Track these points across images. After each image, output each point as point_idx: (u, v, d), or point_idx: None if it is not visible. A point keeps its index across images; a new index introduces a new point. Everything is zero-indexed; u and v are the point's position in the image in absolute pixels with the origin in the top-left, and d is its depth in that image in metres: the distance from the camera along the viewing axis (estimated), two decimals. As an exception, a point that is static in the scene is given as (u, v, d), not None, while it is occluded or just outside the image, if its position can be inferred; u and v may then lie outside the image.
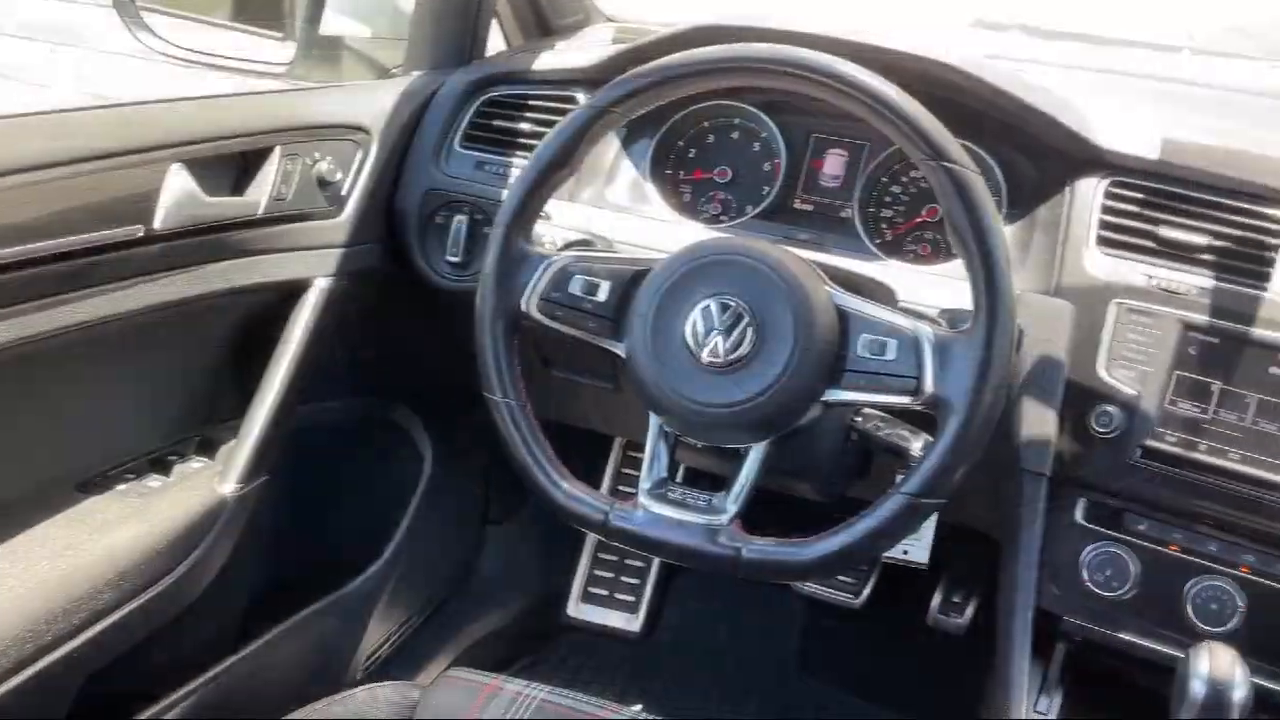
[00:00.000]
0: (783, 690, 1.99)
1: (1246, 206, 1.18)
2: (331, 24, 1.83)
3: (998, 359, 0.98)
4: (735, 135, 1.47)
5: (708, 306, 1.06)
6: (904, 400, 1.03)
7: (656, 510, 1.08)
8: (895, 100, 1.00)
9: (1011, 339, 1.00)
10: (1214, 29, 3.09)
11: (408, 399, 1.82)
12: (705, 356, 1.05)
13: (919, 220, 1.38)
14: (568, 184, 1.23)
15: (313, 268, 1.43)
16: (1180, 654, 1.04)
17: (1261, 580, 1.14)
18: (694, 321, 1.06)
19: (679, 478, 1.14)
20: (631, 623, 2.10)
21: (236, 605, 1.56)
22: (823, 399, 1.06)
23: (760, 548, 1.04)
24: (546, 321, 1.13)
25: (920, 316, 1.07)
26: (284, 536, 1.62)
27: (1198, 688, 0.99)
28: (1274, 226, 1.16)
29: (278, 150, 1.36)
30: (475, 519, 2.05)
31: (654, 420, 1.12)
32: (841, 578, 1.84)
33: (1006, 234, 1.27)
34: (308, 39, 1.77)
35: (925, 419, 1.03)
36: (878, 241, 1.37)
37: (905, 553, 1.43)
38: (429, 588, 1.93)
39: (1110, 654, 1.21)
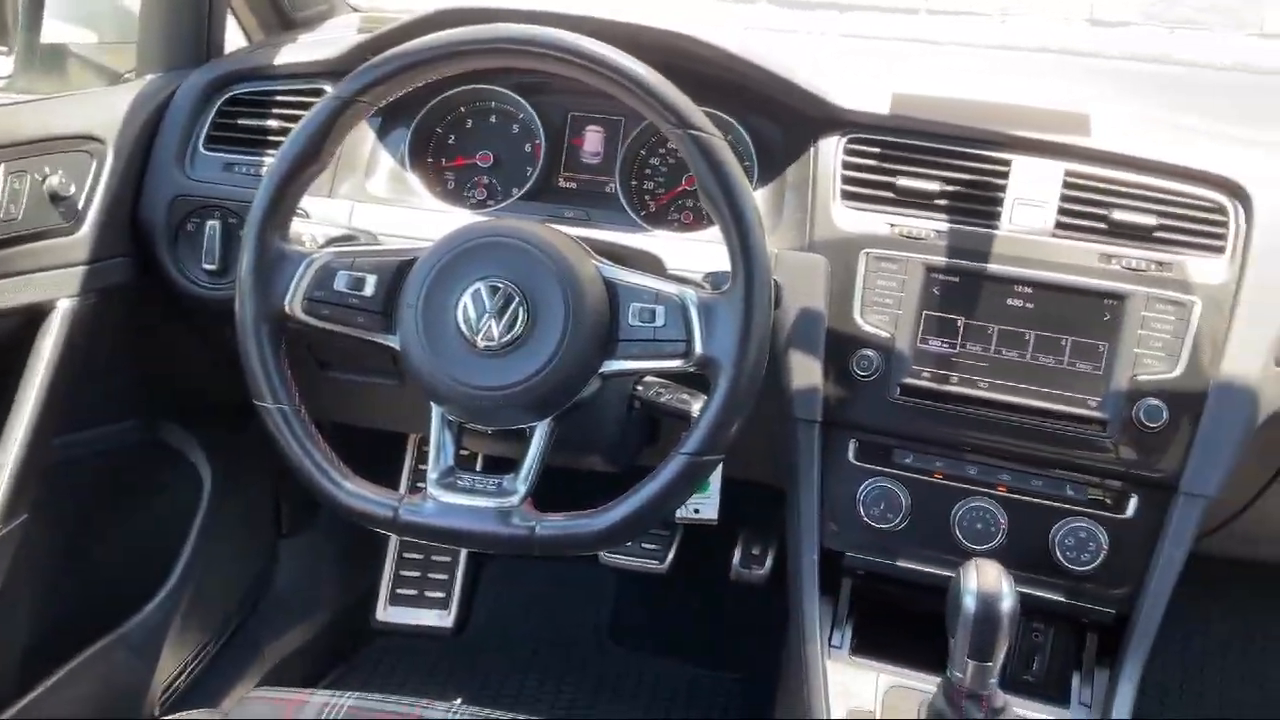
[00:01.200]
0: (599, 662, 2.02)
1: (975, 152, 1.27)
2: (54, 31, 1.71)
3: (758, 316, 1.02)
4: (494, 119, 1.47)
5: (477, 291, 1.06)
6: (677, 364, 1.06)
7: (446, 499, 1.08)
8: (639, 73, 1.03)
9: (770, 296, 1.04)
10: (949, -12, 3.30)
11: (179, 418, 1.73)
12: (480, 341, 1.05)
13: (679, 190, 1.41)
14: (325, 179, 1.20)
15: (54, 289, 1.34)
16: (953, 574, 1.12)
17: (1018, 496, 1.23)
18: (465, 307, 1.06)
19: (480, 466, 1.14)
20: (444, 619, 2.09)
21: (12, 652, 1.45)
22: (600, 371, 1.08)
23: (553, 524, 1.05)
24: (313, 322, 1.10)
25: (685, 282, 1.09)
26: (59, 574, 1.51)
27: (969, 603, 1.06)
28: (1001, 169, 1.25)
29: (1, 168, 1.26)
30: (267, 534, 1.97)
31: (436, 410, 1.11)
32: (645, 544, 1.88)
33: (760, 197, 1.33)
34: (28, 49, 1.64)
35: (704, 381, 1.07)
36: (642, 213, 1.40)
37: (696, 511, 1.48)
38: (224, 611, 1.85)
39: (893, 583, 1.28)
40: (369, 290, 1.10)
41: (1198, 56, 3.31)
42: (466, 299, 1.06)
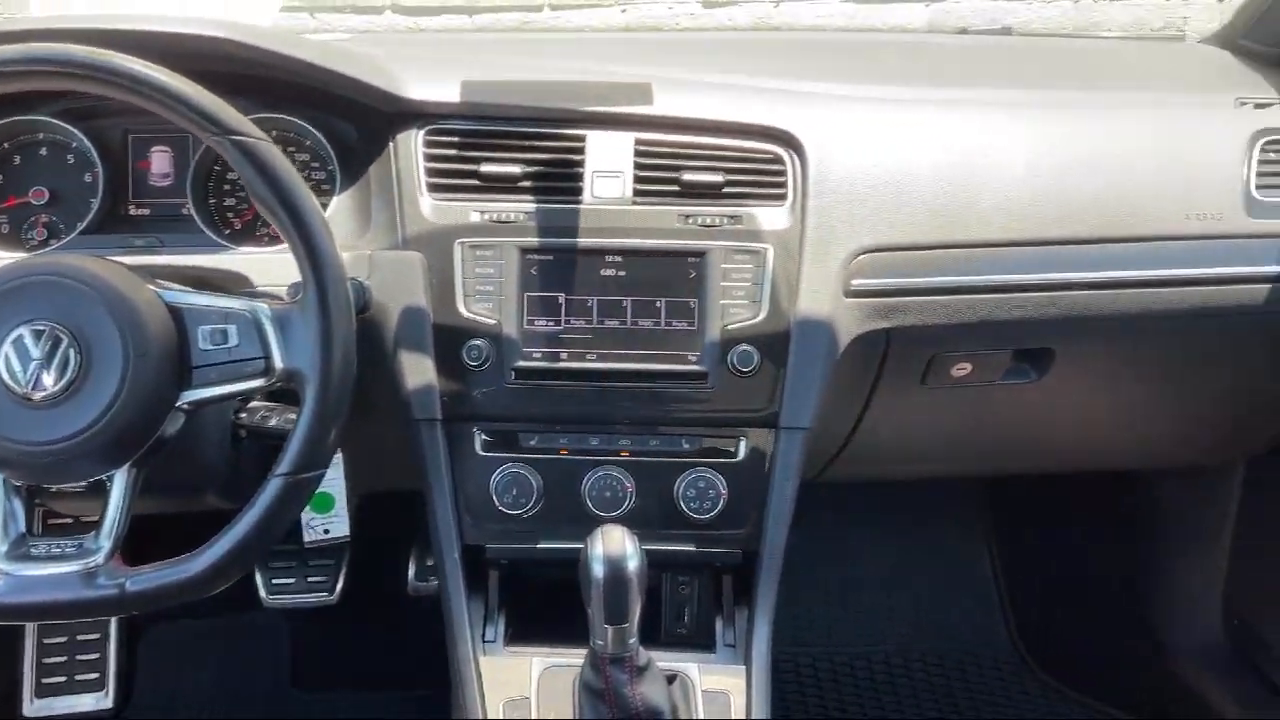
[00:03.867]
0: (284, 710, 1.91)
1: (550, 131, 1.28)
2: None
3: (336, 320, 0.99)
4: (44, 151, 1.34)
5: (19, 338, 0.96)
6: (260, 382, 1.00)
7: (20, 573, 0.97)
8: (162, 82, 0.96)
9: (347, 298, 1.01)
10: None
11: None
12: (33, 393, 0.95)
13: (263, 203, 1.34)
14: None
15: None
16: None
17: (640, 459, 1.27)
18: (6, 358, 0.95)
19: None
20: (102, 701, 1.91)
21: None
22: (180, 405, 1.00)
23: (146, 576, 0.97)
24: None
25: (258, 296, 1.04)
26: None
27: (597, 569, 1.07)
28: (577, 144, 1.27)
29: None
30: None
31: (-4, 476, 1.00)
32: (310, 578, 1.80)
33: (346, 199, 1.29)
34: None
35: None
36: (227, 232, 1.32)
37: (326, 531, 1.42)
38: None
39: (537, 565, 1.28)
40: None
41: (800, 22, 3.56)
42: (7, 349, 0.96)
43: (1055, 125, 1.32)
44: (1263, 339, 1.40)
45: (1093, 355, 1.39)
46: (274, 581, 1.82)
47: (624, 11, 3.44)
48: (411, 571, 1.74)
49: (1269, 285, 1.29)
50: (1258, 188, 1.30)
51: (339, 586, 1.80)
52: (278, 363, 0.99)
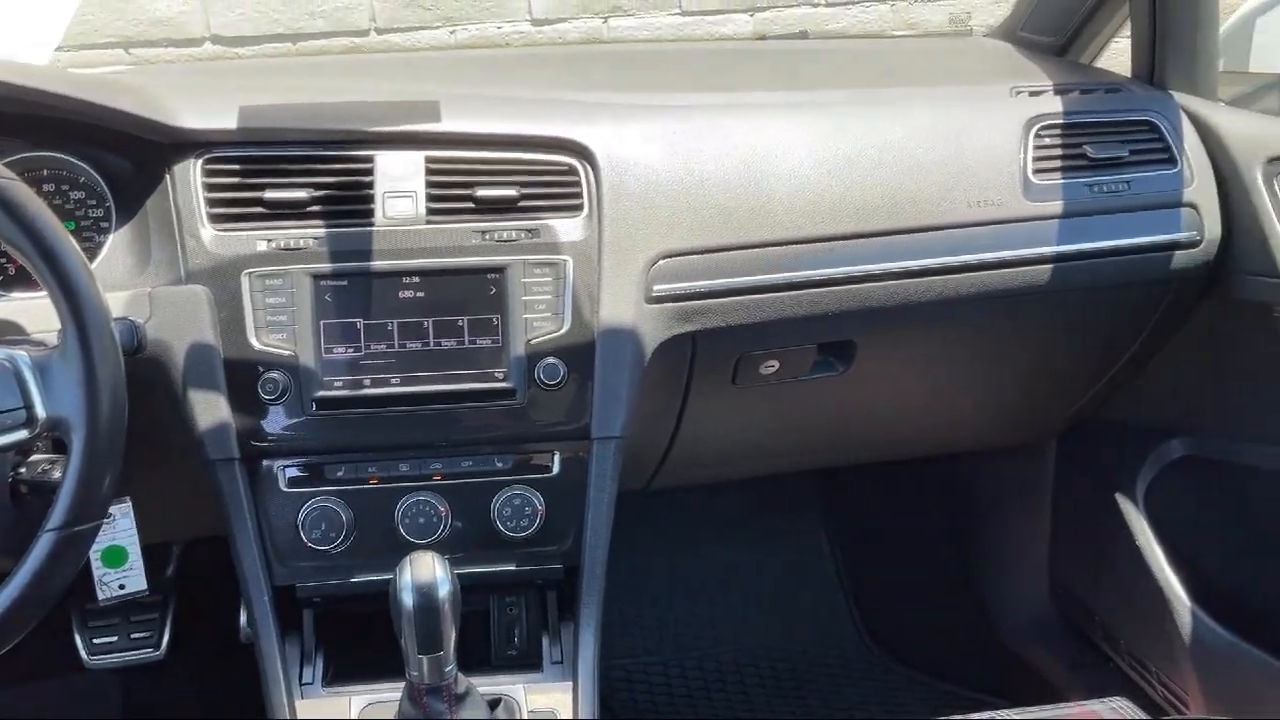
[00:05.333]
0: None
1: (336, 154, 1.25)
2: None
3: (100, 363, 0.94)
4: None
5: None
6: (24, 434, 0.95)
7: None
8: None
9: (111, 338, 0.96)
10: (393, 6, 3.34)
11: None
12: None
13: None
14: None
15: None
16: None
17: (454, 481, 1.24)
18: None
19: None
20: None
21: None
22: None
23: None
24: None
25: (19, 343, 0.98)
26: None
27: (407, 598, 1.05)
28: (365, 166, 1.24)
29: None
30: None
31: None
32: (134, 634, 1.71)
33: (124, 236, 1.24)
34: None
35: None
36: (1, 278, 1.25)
37: (122, 587, 1.35)
38: None
39: (354, 601, 1.24)
40: None
41: (631, 36, 3.59)
42: None
43: (843, 123, 1.36)
44: (1053, 318, 1.46)
45: (893, 345, 1.43)
46: (95, 641, 1.73)
47: (453, 33, 3.42)
48: (243, 618, 1.67)
49: (1050, 265, 1.35)
50: (1034, 172, 1.36)
51: (165, 640, 1.71)
52: (40, 412, 0.94)
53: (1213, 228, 1.39)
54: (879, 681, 1.95)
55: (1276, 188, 1.34)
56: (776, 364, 1.39)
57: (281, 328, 1.20)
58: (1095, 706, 1.26)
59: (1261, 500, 1.48)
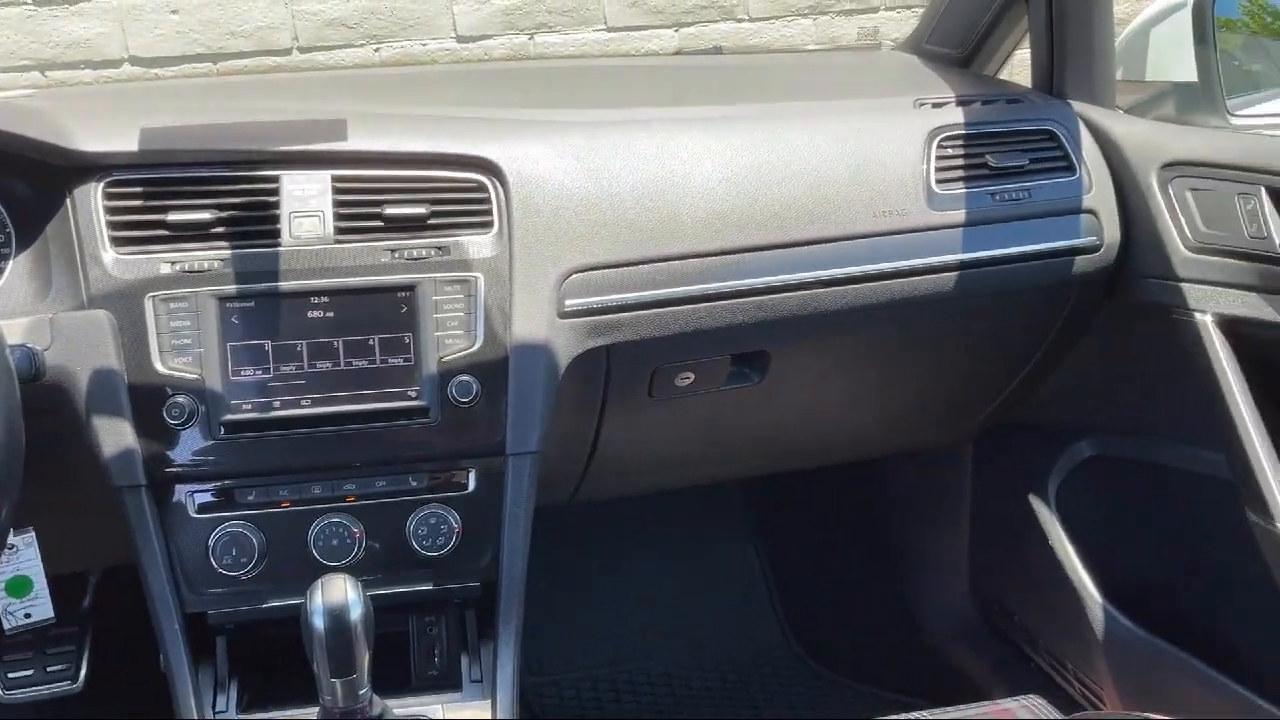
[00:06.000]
0: None
1: (241, 174, 1.24)
2: None
3: None
4: None
5: None
6: None
7: None
8: None
9: (5, 364, 0.94)
10: (315, 25, 3.32)
11: None
12: None
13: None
14: None
15: None
16: None
17: (368, 502, 1.23)
18: None
19: None
20: None
21: None
22: None
23: None
24: None
25: None
26: None
27: (318, 622, 1.04)
28: (271, 186, 1.23)
29: None
30: None
31: None
32: (50, 667, 1.67)
33: (24, 262, 1.21)
34: None
35: None
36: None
37: (28, 616, 1.32)
38: None
39: (269, 626, 1.23)
40: None
41: (556, 52, 3.59)
42: None
43: (751, 137, 1.37)
44: (961, 325, 1.49)
45: (806, 354, 1.45)
46: (10, 675, 1.69)
47: (377, 50, 3.40)
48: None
49: (955, 273, 1.37)
50: (937, 182, 1.39)
51: (83, 672, 1.67)
52: None
53: (1111, 232, 1.43)
54: (807, 687, 1.97)
55: (1171, 192, 1.38)
56: (691, 376, 1.40)
57: (187, 351, 1.18)
58: (1009, 705, 1.28)
59: (1166, 497, 1.52)
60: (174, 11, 3.13)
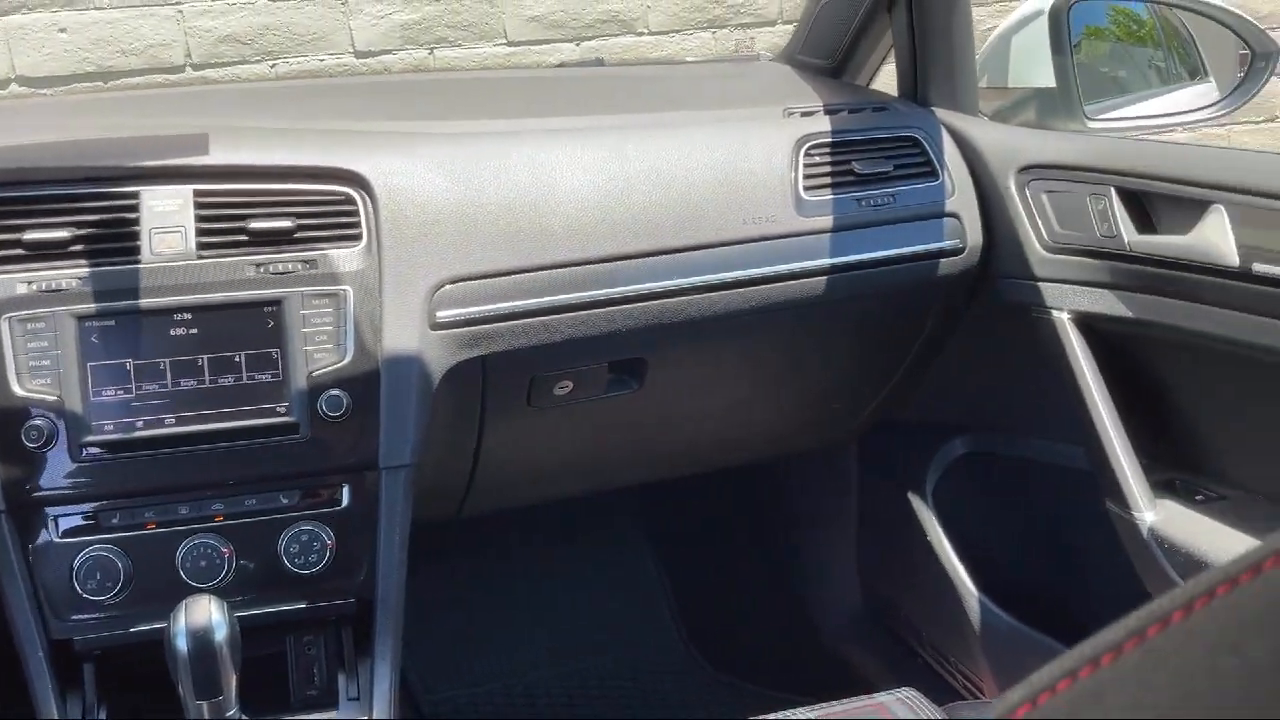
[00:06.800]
0: None
1: (100, 190, 1.21)
2: None
3: None
4: None
5: None
6: None
7: None
8: None
9: None
10: (209, 42, 3.26)
11: None
12: None
13: None
14: None
15: None
16: None
17: (237, 521, 1.21)
18: None
19: None
20: None
21: None
22: None
23: None
24: None
25: None
26: None
27: (181, 644, 1.02)
28: (130, 202, 1.21)
29: None
30: None
31: None
32: None
33: None
34: None
35: None
36: None
37: None
38: None
39: (139, 650, 1.20)
40: None
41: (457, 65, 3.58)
42: None
43: (624, 147, 1.39)
44: (835, 328, 1.52)
45: (684, 360, 1.47)
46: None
47: (273, 67, 3.36)
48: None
49: (825, 277, 1.40)
50: (805, 189, 1.42)
51: None
52: None
53: (974, 235, 1.47)
54: (705, 691, 1.98)
55: (1028, 194, 1.43)
56: (570, 384, 1.41)
57: (45, 372, 1.15)
58: (884, 699, 1.31)
59: (1034, 491, 1.57)
60: (62, 30, 3.04)
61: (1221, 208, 1.20)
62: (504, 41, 3.42)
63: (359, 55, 3.36)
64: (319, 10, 3.32)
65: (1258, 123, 3.75)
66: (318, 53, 3.31)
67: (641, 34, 3.49)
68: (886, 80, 1.69)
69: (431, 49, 3.40)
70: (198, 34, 3.17)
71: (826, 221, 1.41)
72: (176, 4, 3.15)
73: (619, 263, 1.33)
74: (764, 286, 1.39)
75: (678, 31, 3.50)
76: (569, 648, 2.01)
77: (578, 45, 3.47)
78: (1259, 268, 1.16)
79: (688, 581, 2.13)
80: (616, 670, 2.01)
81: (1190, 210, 1.24)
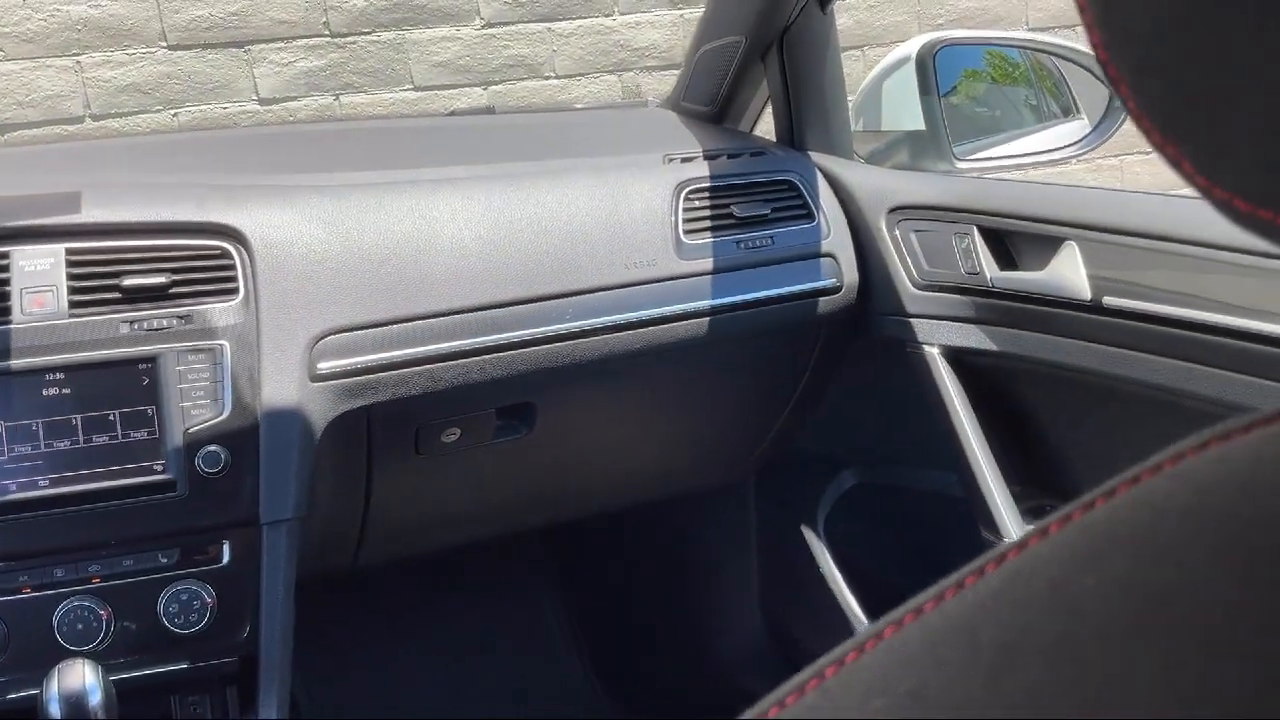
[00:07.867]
0: None
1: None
2: None
3: None
4: None
5: None
6: None
7: None
8: None
9: None
10: (108, 92, 3.22)
11: None
12: None
13: None
14: None
15: None
16: None
17: (115, 583, 1.20)
18: None
19: None
20: None
21: None
22: None
23: None
24: None
25: None
26: None
27: (54, 709, 1.01)
28: (125, 254, 1.22)
29: None
30: None
31: None
32: None
33: None
34: None
35: None
36: None
37: None
38: None
39: (15, 716, 1.18)
40: None
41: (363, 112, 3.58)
42: None
43: (506, 195, 1.41)
44: (721, 368, 1.55)
45: (572, 404, 1.48)
46: None
47: (175, 116, 3.32)
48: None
49: (707, 318, 1.44)
50: (685, 233, 1.45)
51: None
52: None
53: (850, 274, 1.52)
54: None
55: (898, 234, 1.48)
56: (458, 431, 1.42)
57: None
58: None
59: (919, 519, 1.62)
60: (-45, 84, 2.99)
61: (1074, 244, 1.26)
62: (411, 87, 3.43)
63: (263, 102, 3.35)
64: (221, 59, 3.30)
65: (1148, 154, 3.90)
66: (221, 101, 3.29)
67: (548, 78, 3.53)
68: (770, 126, 1.74)
69: (337, 95, 3.40)
70: (96, 84, 3.13)
71: (707, 264, 1.45)
72: (75, 55, 3.10)
73: (502, 309, 1.35)
74: (648, 329, 1.41)
75: (583, 75, 3.55)
76: (472, 695, 2.00)
77: (485, 89, 3.49)
78: (1109, 301, 1.22)
79: (595, 620, 2.14)
80: (526, 713, 2.01)
81: (1046, 247, 1.30)
